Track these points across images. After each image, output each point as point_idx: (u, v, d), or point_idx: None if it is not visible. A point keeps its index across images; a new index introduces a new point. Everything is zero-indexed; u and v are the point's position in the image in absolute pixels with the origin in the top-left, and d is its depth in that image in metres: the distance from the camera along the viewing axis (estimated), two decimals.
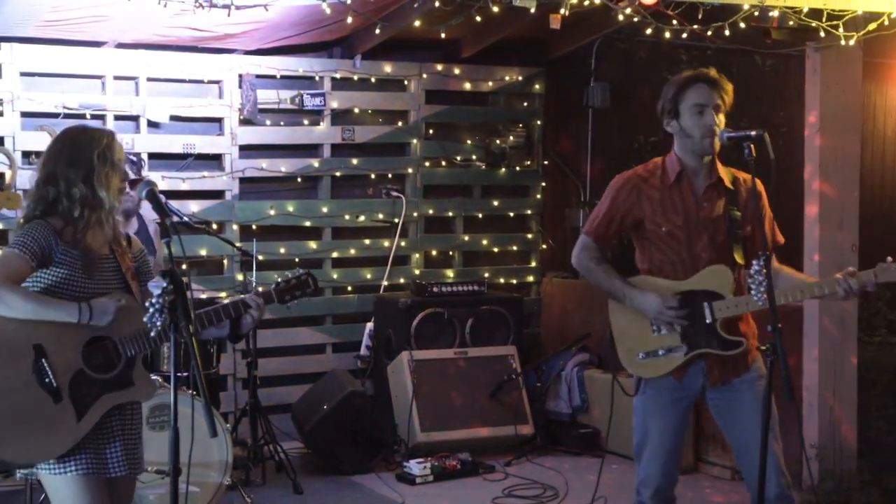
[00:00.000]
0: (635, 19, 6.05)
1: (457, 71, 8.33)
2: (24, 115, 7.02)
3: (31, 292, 3.75)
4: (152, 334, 3.77)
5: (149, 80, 7.34)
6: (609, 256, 4.57)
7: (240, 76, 7.57)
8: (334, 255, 8.03)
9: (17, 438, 3.70)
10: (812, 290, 4.30)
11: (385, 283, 8.13)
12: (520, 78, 8.56)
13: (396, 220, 8.17)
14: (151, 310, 3.63)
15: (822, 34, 5.89)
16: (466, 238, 8.52)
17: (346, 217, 8.05)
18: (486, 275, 8.42)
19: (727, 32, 5.90)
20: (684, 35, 6.22)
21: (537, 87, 8.65)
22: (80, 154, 3.82)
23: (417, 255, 8.34)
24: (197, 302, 3.80)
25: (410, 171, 8.27)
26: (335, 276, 8.02)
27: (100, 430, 3.81)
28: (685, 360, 4.34)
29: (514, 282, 8.68)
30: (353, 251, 8.09)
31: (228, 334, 4.08)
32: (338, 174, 8.02)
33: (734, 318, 4.34)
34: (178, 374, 3.55)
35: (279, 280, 4.22)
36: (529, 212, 8.75)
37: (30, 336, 3.73)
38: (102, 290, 3.83)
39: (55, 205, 3.83)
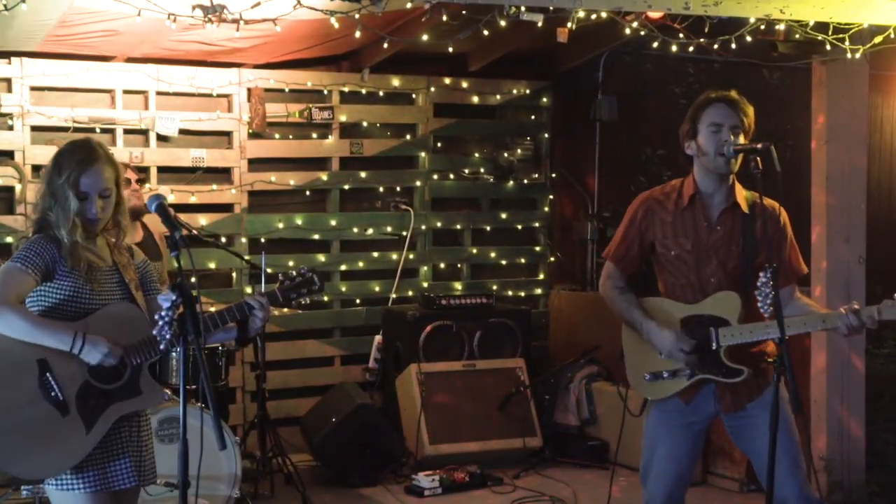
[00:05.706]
0: (642, 33, 6.07)
1: (465, 84, 8.36)
2: (34, 129, 7.08)
3: (30, 314, 3.74)
4: (161, 347, 3.79)
5: (158, 93, 7.38)
6: (633, 280, 4.51)
7: (248, 90, 7.61)
8: (343, 267, 8.05)
9: (27, 454, 3.70)
10: (817, 323, 4.25)
11: (393, 295, 8.15)
12: (527, 91, 8.59)
13: (405, 233, 8.19)
14: (161, 322, 3.63)
15: (829, 47, 5.90)
16: (474, 251, 8.53)
17: (355, 230, 8.08)
18: (495, 287, 8.44)
19: (734, 46, 5.92)
20: (691, 48, 6.23)
21: (545, 100, 8.67)
22: (68, 164, 3.83)
23: (426, 268, 8.36)
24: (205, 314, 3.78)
25: (419, 183, 8.30)
26: (344, 289, 8.04)
27: (107, 444, 3.82)
28: (689, 384, 4.33)
29: (522, 294, 8.68)
30: (361, 264, 8.12)
31: (237, 337, 4.07)
32: (346, 187, 8.04)
33: (741, 346, 4.28)
34: (187, 387, 3.55)
35: (282, 279, 4.09)
36: (537, 224, 8.76)
37: (34, 350, 3.72)
38: (107, 302, 3.85)
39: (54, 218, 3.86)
